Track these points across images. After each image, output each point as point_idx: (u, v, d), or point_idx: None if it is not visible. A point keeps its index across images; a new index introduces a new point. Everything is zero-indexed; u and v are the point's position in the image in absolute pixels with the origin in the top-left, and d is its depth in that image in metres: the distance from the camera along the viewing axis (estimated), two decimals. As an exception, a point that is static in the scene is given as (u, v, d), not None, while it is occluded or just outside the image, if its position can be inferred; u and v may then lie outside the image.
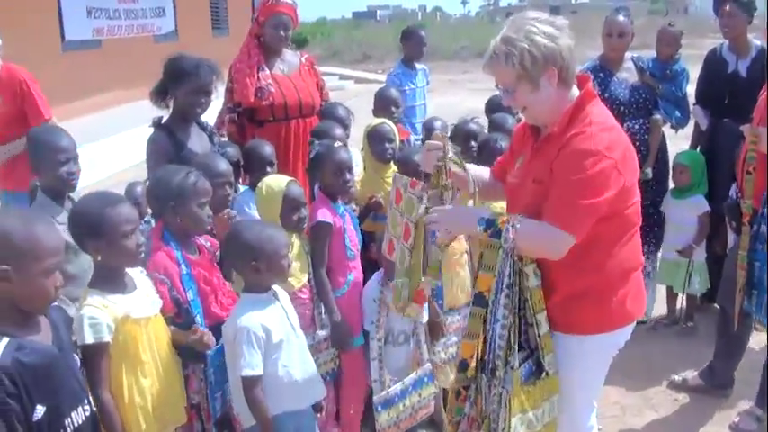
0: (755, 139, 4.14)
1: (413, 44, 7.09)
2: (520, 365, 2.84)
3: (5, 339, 2.18)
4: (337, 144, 4.07)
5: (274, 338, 3.10)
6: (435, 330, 4.07)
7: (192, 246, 3.34)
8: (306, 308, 3.72)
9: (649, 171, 5.39)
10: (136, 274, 2.96)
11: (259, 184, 3.78)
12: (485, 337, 2.93)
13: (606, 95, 5.29)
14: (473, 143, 4.64)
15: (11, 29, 11.20)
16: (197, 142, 4.14)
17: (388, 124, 4.55)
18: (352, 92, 13.35)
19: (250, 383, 3.05)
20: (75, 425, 2.36)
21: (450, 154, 3.02)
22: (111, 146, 10.18)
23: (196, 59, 4.08)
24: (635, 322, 3.11)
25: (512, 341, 2.83)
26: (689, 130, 5.90)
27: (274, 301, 3.22)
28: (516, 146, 3.25)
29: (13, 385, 2.13)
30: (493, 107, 5.48)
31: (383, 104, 5.40)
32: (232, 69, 5.02)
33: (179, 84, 4.04)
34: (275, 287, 3.28)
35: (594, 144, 2.76)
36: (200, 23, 18.23)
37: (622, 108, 5.32)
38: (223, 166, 3.75)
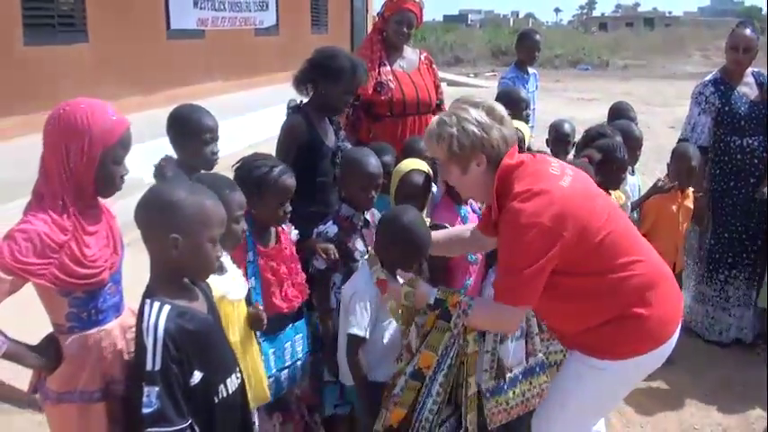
0: None
1: (527, 48, 6.86)
2: (442, 424, 3.13)
3: (167, 306, 2.25)
4: None
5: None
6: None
7: (268, 236, 3.33)
8: None
9: (766, 190, 5.22)
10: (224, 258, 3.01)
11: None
12: (413, 407, 3.09)
13: (726, 109, 5.20)
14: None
15: (119, 13, 11.58)
16: (327, 134, 4.18)
17: (521, 130, 4.49)
18: (447, 94, 13.19)
19: (354, 343, 3.19)
20: (229, 392, 2.43)
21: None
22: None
23: (353, 60, 4.12)
24: (669, 343, 2.98)
25: (441, 414, 3.08)
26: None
27: None
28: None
29: (176, 350, 2.20)
30: (615, 113, 5.37)
31: (515, 104, 4.87)
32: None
33: (333, 82, 4.07)
34: None
35: (516, 218, 2.73)
36: (300, 20, 18.43)
37: (742, 123, 5.20)
38: (376, 166, 3.72)
